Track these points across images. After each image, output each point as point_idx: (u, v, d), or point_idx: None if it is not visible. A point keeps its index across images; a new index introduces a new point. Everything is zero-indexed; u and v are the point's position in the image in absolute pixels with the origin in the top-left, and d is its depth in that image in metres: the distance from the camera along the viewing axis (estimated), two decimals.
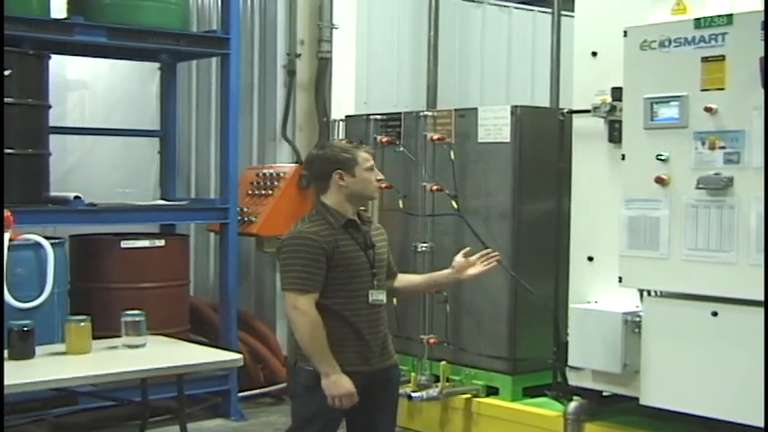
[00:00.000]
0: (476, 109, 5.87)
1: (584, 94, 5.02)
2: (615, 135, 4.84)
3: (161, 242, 6.37)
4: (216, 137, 7.34)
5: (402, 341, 5.76)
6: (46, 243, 5.47)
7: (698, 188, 4.34)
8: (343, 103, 7.03)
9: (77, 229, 6.32)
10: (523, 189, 5.64)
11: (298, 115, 7.06)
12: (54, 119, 6.16)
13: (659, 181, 4.46)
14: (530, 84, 8.09)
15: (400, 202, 6.09)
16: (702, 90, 4.34)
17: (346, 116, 6.78)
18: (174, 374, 4.80)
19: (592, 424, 5.06)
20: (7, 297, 5.03)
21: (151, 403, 5.20)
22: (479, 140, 5.76)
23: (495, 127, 5.69)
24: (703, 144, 4.34)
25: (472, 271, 4.18)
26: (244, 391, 6.52)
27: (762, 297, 4.14)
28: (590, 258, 5.06)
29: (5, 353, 4.39)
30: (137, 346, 4.80)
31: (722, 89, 4.29)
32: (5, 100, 5.32)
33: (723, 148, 4.29)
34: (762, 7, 4.17)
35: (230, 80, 6.27)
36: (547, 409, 5.36)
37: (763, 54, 4.10)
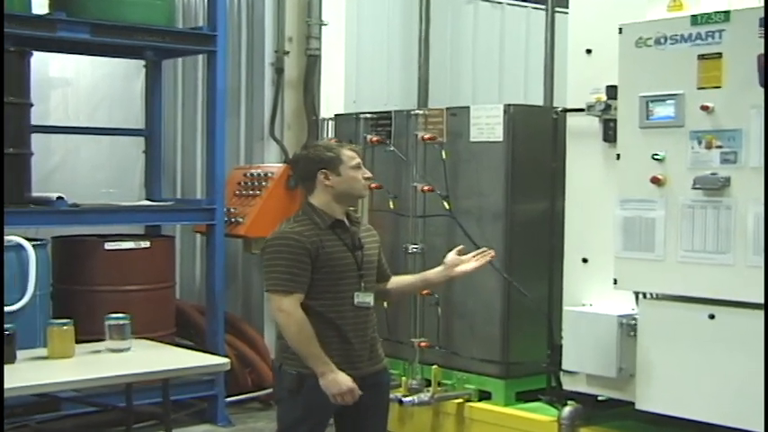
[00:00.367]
0: (468, 107, 5.86)
1: (579, 92, 5.01)
2: (610, 134, 4.84)
3: (146, 243, 6.37)
4: (202, 136, 7.32)
5: (392, 344, 5.75)
6: (27, 245, 5.45)
7: (694, 188, 4.34)
8: (332, 102, 7.02)
9: (60, 230, 6.30)
10: (517, 189, 5.63)
11: (286, 114, 7.05)
12: (36, 117, 6.14)
13: (655, 181, 4.46)
14: (523, 82, 8.09)
15: (390, 203, 6.08)
16: (699, 88, 4.34)
17: (335, 115, 6.77)
18: (160, 379, 4.79)
19: (587, 429, 5.06)
20: None
21: (136, 409, 5.19)
22: (471, 140, 5.75)
23: (487, 126, 5.68)
24: (700, 143, 4.34)
25: (464, 267, 4.16)
26: (231, 396, 6.51)
27: (759, 299, 4.15)
28: (584, 260, 5.05)
29: None
30: (121, 351, 4.79)
31: (719, 87, 4.28)
32: None
33: (720, 147, 4.28)
34: (759, 3, 4.17)
35: (217, 78, 6.26)
36: (541, 414, 5.35)
37: (760, 51, 4.10)
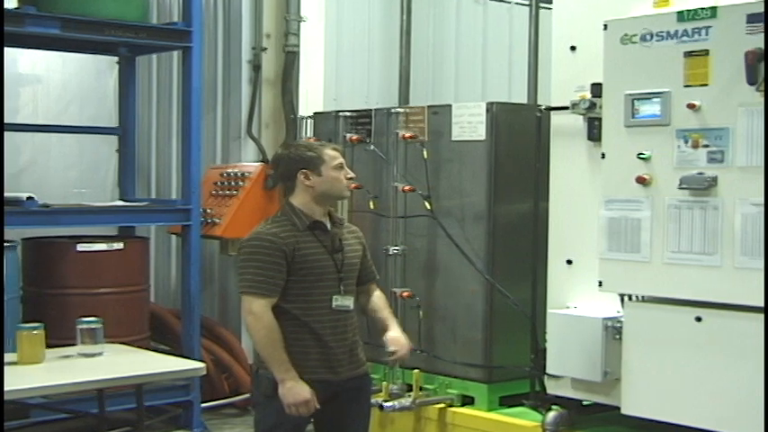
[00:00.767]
0: (450, 105, 5.86)
1: (563, 90, 5.01)
2: (595, 133, 4.84)
3: (119, 245, 6.33)
4: (177, 134, 7.30)
5: (373, 348, 5.72)
6: None
7: (681, 188, 4.35)
8: (311, 100, 7.00)
9: (30, 231, 6.25)
10: (499, 189, 5.63)
11: (263, 112, 7.03)
12: (5, 115, 6.08)
13: (640, 181, 4.46)
14: (506, 79, 8.09)
15: (371, 203, 6.07)
16: (685, 86, 4.35)
17: (314, 113, 6.75)
18: (133, 385, 4.79)
19: None
20: None
21: (108, 415, 5.17)
22: (453, 138, 5.75)
23: (469, 124, 5.68)
24: (686, 142, 4.35)
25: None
26: (207, 401, 6.49)
27: (747, 302, 4.16)
28: (569, 261, 5.05)
29: None
30: (93, 355, 4.77)
31: (706, 85, 4.29)
32: None
33: (707, 146, 4.29)
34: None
35: (192, 75, 6.23)
36: (524, 420, 5.35)
37: (748, 48, 4.10)
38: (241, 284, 3.90)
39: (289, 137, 6.82)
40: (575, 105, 4.89)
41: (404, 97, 7.18)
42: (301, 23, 7.00)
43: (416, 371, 5.77)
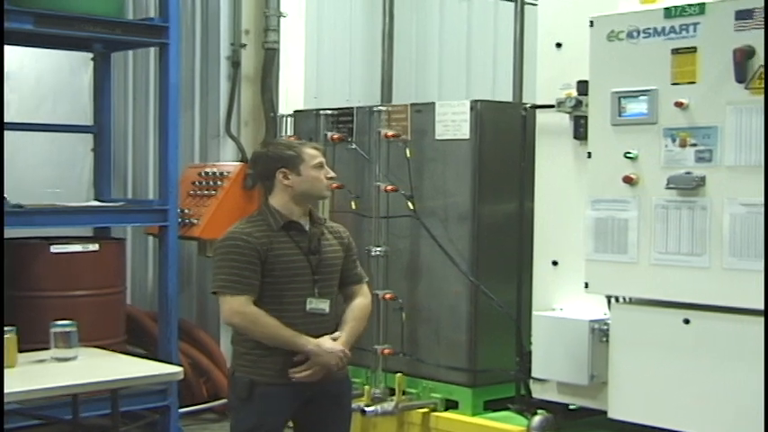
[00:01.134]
0: (433, 104, 5.85)
1: (549, 87, 5.02)
2: (581, 131, 4.85)
3: (95, 246, 6.30)
4: (154, 133, 7.28)
5: (354, 352, 5.67)
6: None
7: (668, 188, 4.35)
8: (291, 98, 7.00)
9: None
10: (484, 189, 5.63)
11: (243, 110, 7.02)
12: None
13: (627, 180, 4.47)
14: (491, 77, 8.10)
15: (352, 203, 6.06)
16: (673, 84, 4.35)
17: (295, 111, 6.74)
18: (108, 390, 4.76)
19: None
20: None
21: (83, 421, 5.15)
22: (437, 137, 5.75)
23: (453, 123, 5.67)
24: (674, 141, 4.36)
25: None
26: (185, 406, 6.47)
27: (736, 303, 4.17)
28: (554, 263, 5.06)
29: None
30: (67, 360, 4.74)
31: (694, 83, 4.30)
32: None
33: (695, 145, 4.30)
34: None
35: (169, 72, 6.20)
36: (509, 424, 5.34)
37: (736, 45, 4.11)
38: (215, 284, 3.93)
39: (268, 135, 6.81)
40: (560, 103, 4.89)
41: (386, 95, 7.18)
42: (281, 19, 6.99)
43: (399, 374, 5.76)
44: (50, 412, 5.43)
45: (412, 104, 5.96)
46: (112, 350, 5.41)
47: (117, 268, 6.52)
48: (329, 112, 6.31)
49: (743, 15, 4.14)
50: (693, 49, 4.29)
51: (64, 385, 4.48)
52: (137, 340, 6.79)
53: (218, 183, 6.69)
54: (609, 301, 4.68)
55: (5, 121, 7.03)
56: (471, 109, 5.61)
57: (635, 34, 4.47)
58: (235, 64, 6.97)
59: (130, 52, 7.52)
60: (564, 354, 4.84)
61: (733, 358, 4.18)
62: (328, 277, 4.02)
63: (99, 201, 6.83)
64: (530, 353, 5.05)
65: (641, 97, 4.44)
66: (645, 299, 4.52)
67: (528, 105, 5.27)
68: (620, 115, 4.52)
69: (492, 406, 5.62)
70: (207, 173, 6.79)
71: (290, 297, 3.93)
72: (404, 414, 5.77)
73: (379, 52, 7.26)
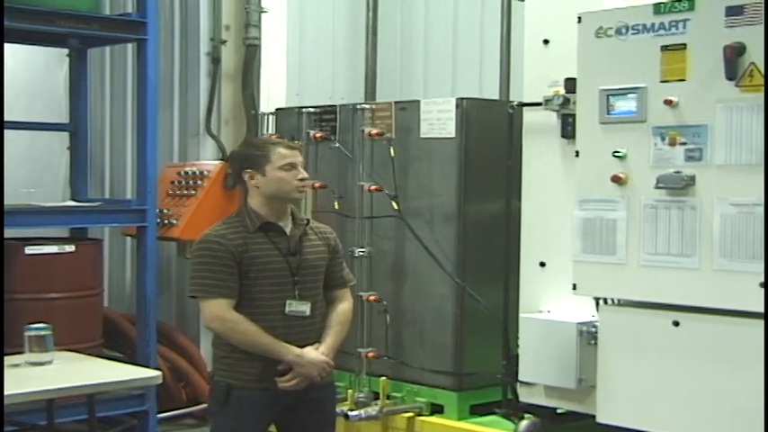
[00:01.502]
0: (418, 101, 5.87)
1: (536, 85, 5.02)
2: (569, 130, 4.85)
3: (71, 247, 6.29)
4: (132, 131, 7.27)
5: (337, 355, 5.70)
6: None
7: (657, 187, 4.36)
8: (273, 95, 6.99)
9: None
10: (470, 189, 5.63)
11: (223, 108, 7.01)
12: None
13: (616, 180, 4.48)
14: (477, 74, 8.08)
15: (335, 204, 6.06)
16: (662, 81, 4.36)
17: (276, 109, 6.73)
18: (85, 394, 4.75)
19: None
20: None
21: (58, 427, 5.12)
22: (422, 136, 5.75)
23: (438, 121, 5.68)
24: (663, 140, 4.36)
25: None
26: (164, 411, 6.45)
27: (726, 305, 4.18)
28: (542, 264, 5.06)
29: None
30: (42, 364, 4.72)
31: (683, 80, 4.30)
32: None
33: (684, 144, 4.31)
34: None
35: (148, 69, 6.19)
36: (496, 429, 5.36)
37: (726, 42, 4.12)
38: (191, 288, 3.95)
39: (249, 133, 6.80)
40: (548, 101, 4.90)
41: (370, 92, 7.18)
42: (262, 14, 6.98)
43: (383, 378, 5.76)
44: (25, 418, 5.40)
45: (396, 102, 5.97)
46: (89, 354, 5.38)
47: (94, 270, 6.49)
48: (312, 109, 6.31)
49: (733, 12, 4.15)
50: (683, 46, 4.30)
51: (39, 390, 4.45)
52: (114, 344, 6.76)
53: (198, 182, 6.67)
54: (597, 303, 4.68)
55: None
56: (457, 107, 5.62)
57: (624, 31, 4.47)
58: (215, 60, 6.96)
59: (107, 48, 7.50)
60: (551, 357, 4.84)
61: (724, 361, 4.19)
62: (310, 279, 4.01)
63: (75, 201, 6.82)
64: (517, 356, 5.05)
65: (630, 95, 4.44)
66: (634, 301, 4.53)
67: (515, 103, 5.27)
68: (608, 113, 4.52)
69: (478, 410, 5.63)
70: (186, 172, 6.78)
71: (269, 300, 3.92)
72: (388, 419, 5.76)
73: (362, 48, 7.25)
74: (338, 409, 5.32)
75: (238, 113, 6.99)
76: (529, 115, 5.13)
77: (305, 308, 3.97)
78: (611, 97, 4.50)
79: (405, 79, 7.80)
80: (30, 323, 4.82)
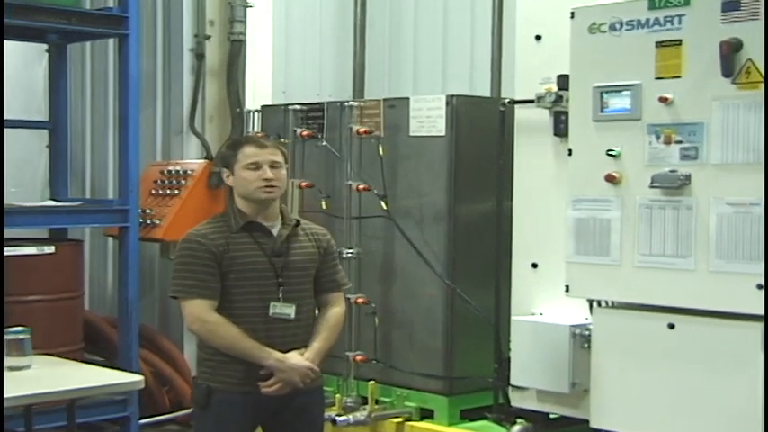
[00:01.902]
0: (407, 99, 5.87)
1: (528, 82, 5.02)
2: (561, 128, 4.86)
3: (50, 249, 6.28)
4: (114, 129, 7.25)
5: (325, 359, 5.71)
6: None
7: (652, 187, 4.37)
8: (258, 92, 6.98)
9: None
10: (460, 188, 5.64)
11: (207, 105, 7.00)
12: None
13: (610, 179, 4.48)
14: (468, 71, 8.08)
15: (323, 203, 6.06)
16: (657, 78, 4.36)
17: (262, 106, 6.73)
18: (65, 400, 4.72)
19: None
20: None
21: None
22: (411, 134, 5.75)
23: (428, 119, 5.68)
24: (658, 138, 4.37)
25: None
26: (146, 417, 6.44)
27: (722, 308, 4.18)
28: (534, 265, 5.06)
29: None
30: (20, 368, 4.70)
31: (679, 77, 4.31)
32: None
33: (680, 142, 4.31)
34: None
35: (130, 65, 6.18)
36: None
37: (723, 38, 4.13)
38: (172, 288, 3.97)
39: (234, 132, 6.78)
40: (540, 99, 4.90)
41: (358, 90, 7.17)
42: (247, 9, 6.97)
43: (372, 382, 5.76)
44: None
45: (385, 99, 5.97)
46: (69, 358, 5.38)
47: (74, 272, 6.48)
48: (298, 107, 6.30)
49: (730, 7, 4.16)
50: (678, 42, 4.31)
51: (17, 396, 4.41)
52: (95, 347, 6.76)
53: (182, 181, 6.67)
54: (591, 306, 4.69)
55: None
56: (447, 104, 5.62)
57: (618, 26, 4.48)
58: (199, 56, 6.94)
59: (88, 44, 7.48)
60: (544, 360, 4.84)
61: (720, 364, 4.20)
62: (296, 281, 4.00)
63: (55, 200, 6.80)
64: (508, 359, 5.05)
65: (624, 92, 4.45)
66: (628, 303, 4.53)
67: (506, 100, 5.27)
68: (602, 111, 4.52)
69: (469, 415, 5.63)
70: (170, 171, 6.77)
71: (252, 301, 3.92)
72: (377, 424, 5.76)
73: (350, 44, 7.25)
74: (326, 414, 5.31)
75: (223, 111, 6.98)
76: (521, 113, 5.13)
77: (289, 310, 3.96)
78: (604, 94, 4.51)
79: (394, 76, 7.80)
80: (8, 326, 4.79)
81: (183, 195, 6.62)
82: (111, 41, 7.09)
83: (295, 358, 3.93)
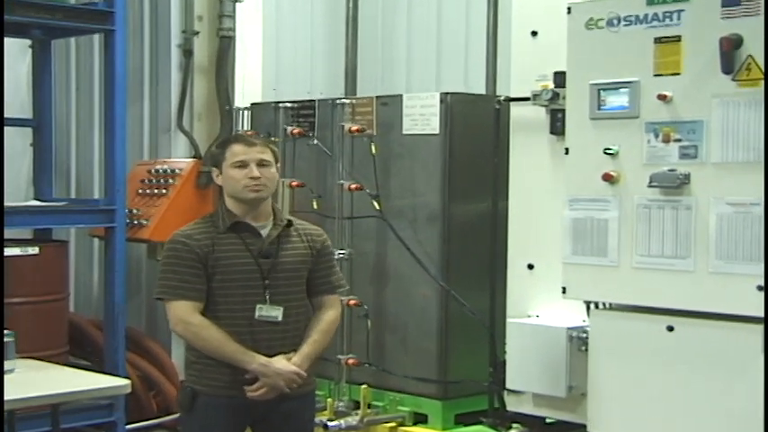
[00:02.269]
0: (400, 96, 5.88)
1: (524, 79, 5.04)
2: (558, 126, 4.87)
3: (34, 250, 6.25)
4: (100, 127, 7.23)
5: (315, 364, 5.71)
6: None
7: (650, 186, 4.37)
8: (248, 89, 6.97)
9: None
10: (455, 188, 5.64)
11: (195, 103, 6.98)
12: None
13: (607, 178, 4.48)
14: (463, 67, 8.09)
15: (314, 203, 6.06)
16: (655, 75, 4.37)
17: (252, 104, 6.73)
18: (49, 405, 4.72)
19: None
20: None
21: None
22: (404, 132, 5.76)
23: (422, 117, 5.68)
24: (656, 136, 4.37)
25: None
26: (133, 422, 6.42)
27: (722, 309, 4.19)
28: (530, 266, 5.07)
29: None
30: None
31: (678, 74, 4.32)
32: None
33: (679, 140, 4.32)
34: None
35: (116, 61, 6.17)
36: None
37: (723, 34, 4.13)
38: (157, 289, 3.97)
39: (223, 130, 6.77)
40: (536, 96, 4.91)
41: (350, 87, 7.17)
42: (237, 4, 6.95)
43: (364, 386, 5.76)
44: None
45: (378, 97, 5.97)
46: (53, 362, 5.36)
47: (59, 273, 6.47)
48: (289, 104, 6.31)
49: (730, 2, 4.16)
50: (677, 38, 4.31)
51: None
52: (80, 351, 6.74)
53: (170, 181, 6.65)
54: (588, 308, 4.69)
55: None
56: (441, 102, 5.63)
57: (615, 22, 4.48)
58: (187, 53, 6.93)
59: (73, 39, 7.46)
60: (540, 364, 4.85)
61: (719, 367, 4.20)
62: (284, 283, 3.99)
63: (39, 200, 6.78)
64: (504, 363, 5.06)
65: (622, 89, 4.45)
66: (626, 305, 4.53)
67: (502, 98, 5.29)
68: (599, 109, 4.53)
69: (463, 420, 5.64)
70: (157, 170, 6.76)
71: (237, 303, 3.91)
72: (369, 429, 5.77)
73: (342, 40, 7.24)
74: (317, 419, 5.32)
75: (212, 108, 6.96)
76: (516, 111, 5.14)
77: (276, 313, 3.94)
78: (602, 92, 4.51)
79: (386, 73, 7.80)
80: None
81: (171, 195, 6.61)
82: (96, 37, 7.07)
83: (280, 363, 3.91)
